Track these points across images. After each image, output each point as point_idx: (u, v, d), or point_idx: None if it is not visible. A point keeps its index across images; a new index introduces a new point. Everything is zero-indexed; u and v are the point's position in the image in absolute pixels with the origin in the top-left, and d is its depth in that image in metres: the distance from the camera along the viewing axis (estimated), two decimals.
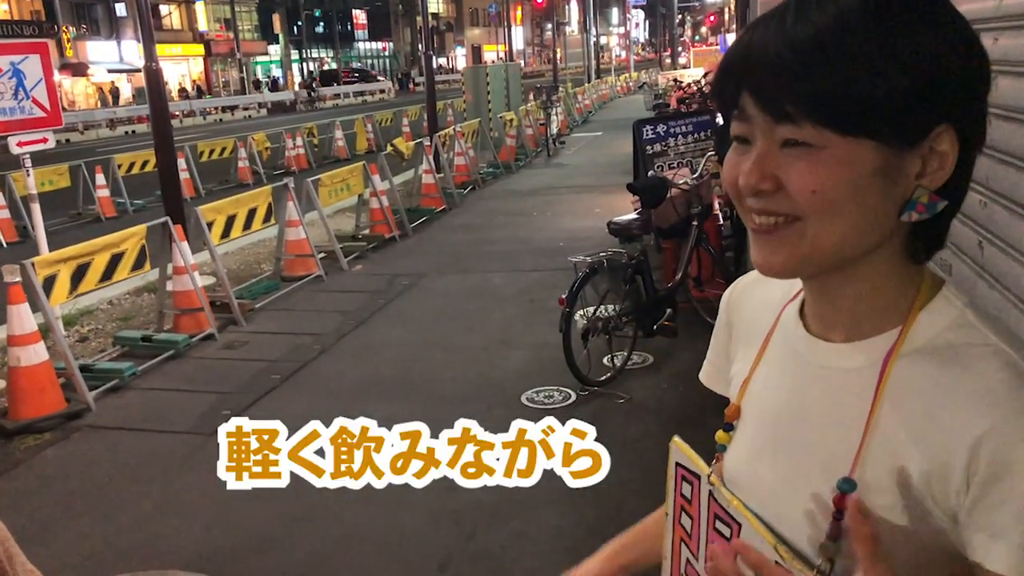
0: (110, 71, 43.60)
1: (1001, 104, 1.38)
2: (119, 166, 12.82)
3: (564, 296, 4.57)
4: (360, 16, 70.94)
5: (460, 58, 78.01)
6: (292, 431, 4.52)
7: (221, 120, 35.47)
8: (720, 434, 0.92)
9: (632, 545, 1.14)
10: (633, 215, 5.29)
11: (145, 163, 13.51)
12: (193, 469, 4.09)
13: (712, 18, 70.96)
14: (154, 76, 7.75)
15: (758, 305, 0.95)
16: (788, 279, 0.83)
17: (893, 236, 0.76)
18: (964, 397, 0.71)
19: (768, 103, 0.72)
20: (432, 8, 59.58)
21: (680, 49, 62.07)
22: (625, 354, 4.95)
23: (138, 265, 5.71)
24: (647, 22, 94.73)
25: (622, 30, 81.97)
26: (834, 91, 0.69)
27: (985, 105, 0.75)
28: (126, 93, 44.51)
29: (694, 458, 0.93)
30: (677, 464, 0.96)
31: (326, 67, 60.78)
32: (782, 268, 0.78)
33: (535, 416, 4.41)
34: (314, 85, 47.61)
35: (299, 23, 58.55)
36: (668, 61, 58.29)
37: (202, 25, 50.43)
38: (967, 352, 0.74)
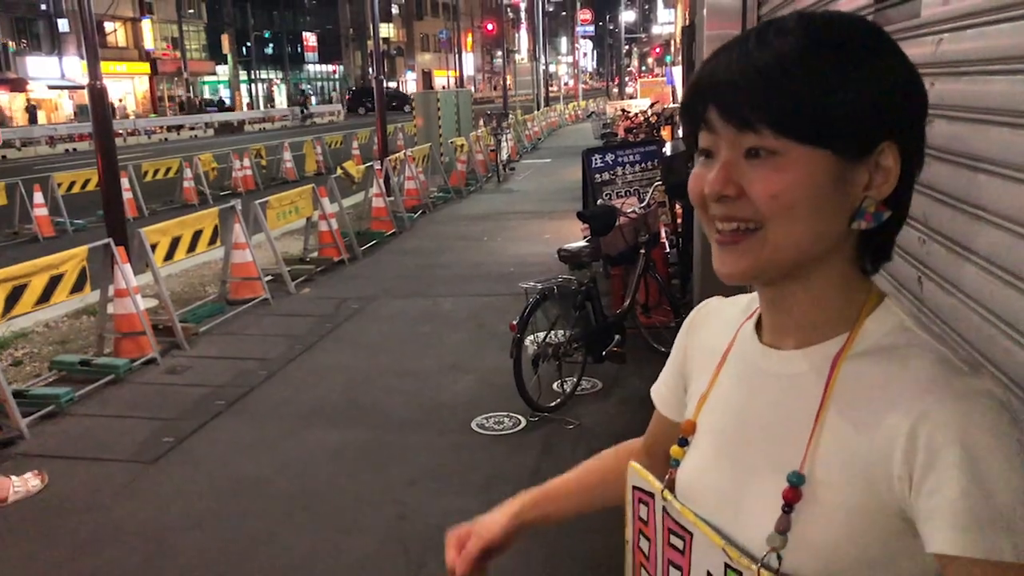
0: (51, 87, 42.68)
1: (938, 146, 1.45)
2: (59, 184, 12.52)
3: (515, 322, 4.59)
4: (310, 38, 70.69)
5: (411, 82, 78.14)
6: (237, 459, 4.45)
7: (166, 139, 34.91)
8: (675, 448, 0.95)
9: (539, 503, 1.17)
10: (583, 242, 5.34)
11: (87, 182, 13.21)
12: (133, 498, 3.99)
13: (658, 50, 72.34)
14: (98, 94, 7.59)
15: (716, 326, 0.99)
16: (749, 283, 0.87)
17: (843, 246, 0.82)
18: (901, 389, 0.76)
19: (734, 115, 0.78)
20: (383, 33, 59.66)
21: (627, 79, 63.15)
22: (575, 380, 4.98)
23: (78, 287, 5.57)
24: (595, 52, 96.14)
25: (571, 59, 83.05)
26: (794, 104, 0.75)
27: (923, 129, 0.82)
28: (67, 110, 43.61)
29: (648, 477, 0.96)
30: (634, 487, 0.98)
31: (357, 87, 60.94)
32: (744, 274, 0.82)
33: (485, 442, 4.42)
34: (307, 103, 47.39)
35: (248, 44, 58.09)
36: (616, 91, 59.21)
37: (148, 43, 49.66)
38: (906, 352, 0.79)
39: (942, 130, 1.42)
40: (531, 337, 4.77)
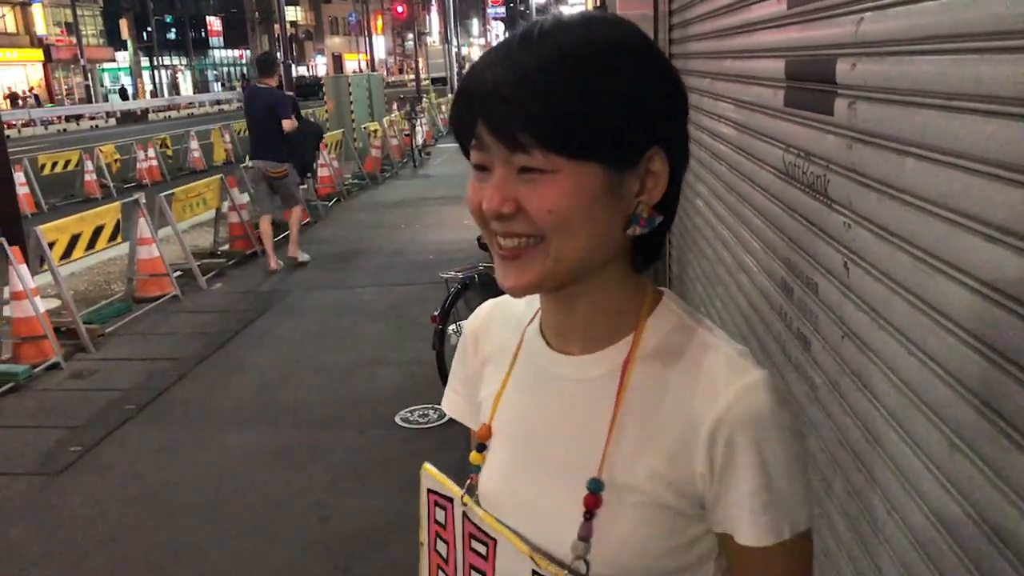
0: None
1: (862, 129, 1.42)
2: None
3: (436, 313, 4.51)
4: (215, 23, 68.62)
5: (321, 66, 76.67)
6: (150, 466, 4.25)
7: (65, 130, 33.35)
8: (474, 455, 0.96)
9: None
10: None
11: None
12: (38, 514, 3.76)
13: None
14: None
15: (503, 326, 1.00)
16: (534, 294, 0.88)
17: (620, 250, 0.83)
18: (694, 393, 0.80)
19: (502, 133, 0.76)
20: (290, 16, 58.20)
21: None
22: None
23: None
24: (507, 34, 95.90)
25: (483, 41, 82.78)
26: (561, 122, 0.75)
27: (686, 131, 0.84)
28: None
29: (445, 482, 0.96)
30: (429, 491, 0.98)
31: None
32: (529, 285, 0.82)
33: (410, 436, 4.33)
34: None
35: (149, 29, 55.92)
36: None
37: (40, 29, 47.31)
38: (691, 353, 0.82)
39: (866, 113, 1.40)
40: (453, 327, 4.69)
